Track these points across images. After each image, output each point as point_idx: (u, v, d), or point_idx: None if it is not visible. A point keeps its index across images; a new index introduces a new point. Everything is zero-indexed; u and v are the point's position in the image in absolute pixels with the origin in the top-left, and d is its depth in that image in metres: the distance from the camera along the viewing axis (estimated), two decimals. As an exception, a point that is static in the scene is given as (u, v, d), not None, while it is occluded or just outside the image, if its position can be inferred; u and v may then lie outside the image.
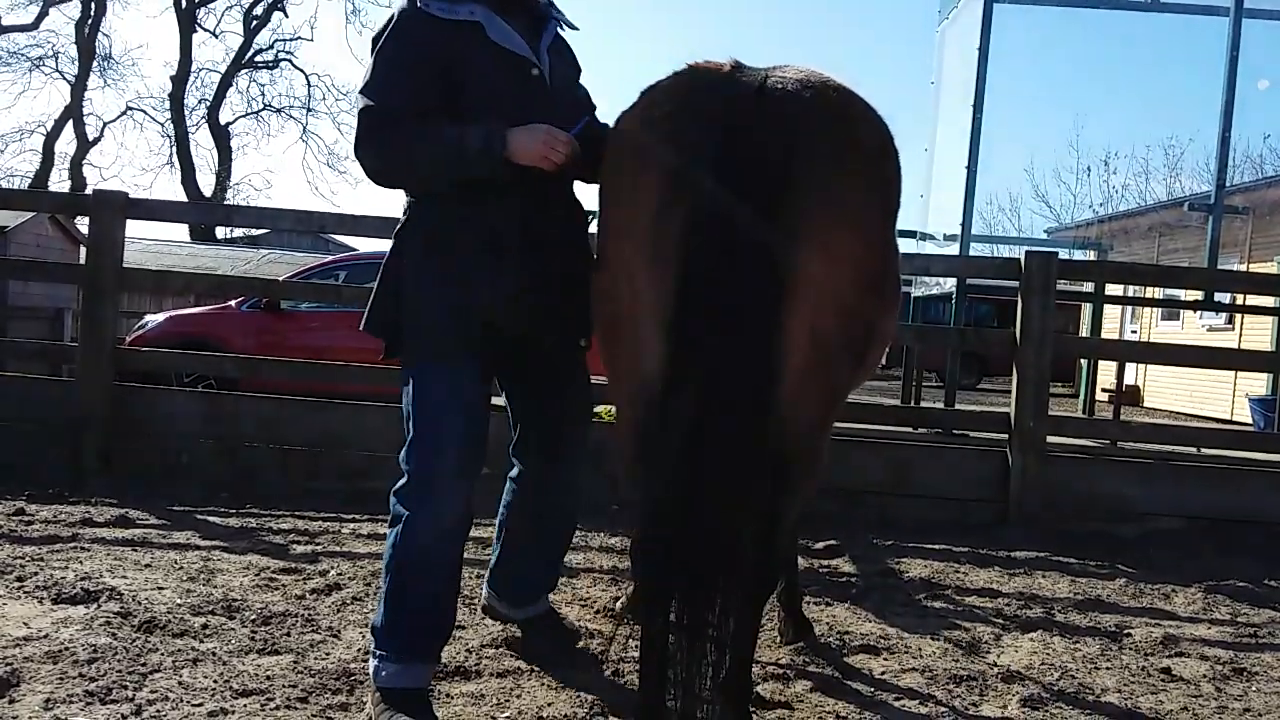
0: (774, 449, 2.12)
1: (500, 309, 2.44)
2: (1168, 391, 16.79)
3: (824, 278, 2.12)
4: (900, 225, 2.49)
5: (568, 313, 2.59)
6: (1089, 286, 9.33)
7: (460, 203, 2.44)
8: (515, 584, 2.96)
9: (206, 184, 31.83)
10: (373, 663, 2.44)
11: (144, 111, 32.88)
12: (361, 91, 2.43)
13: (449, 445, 2.44)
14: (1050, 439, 5.23)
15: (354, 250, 16.45)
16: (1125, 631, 3.52)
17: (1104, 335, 13.98)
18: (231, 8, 32.72)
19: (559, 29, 2.66)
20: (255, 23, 32.51)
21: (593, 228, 2.61)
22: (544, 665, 2.82)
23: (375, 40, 2.48)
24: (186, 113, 32.05)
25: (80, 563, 3.58)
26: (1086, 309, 11.52)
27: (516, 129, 2.38)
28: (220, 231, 28.59)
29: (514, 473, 2.89)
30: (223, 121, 32.74)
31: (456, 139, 2.36)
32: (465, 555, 2.57)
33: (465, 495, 2.48)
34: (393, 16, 2.46)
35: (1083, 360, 11.72)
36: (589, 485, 5.03)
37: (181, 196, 29.57)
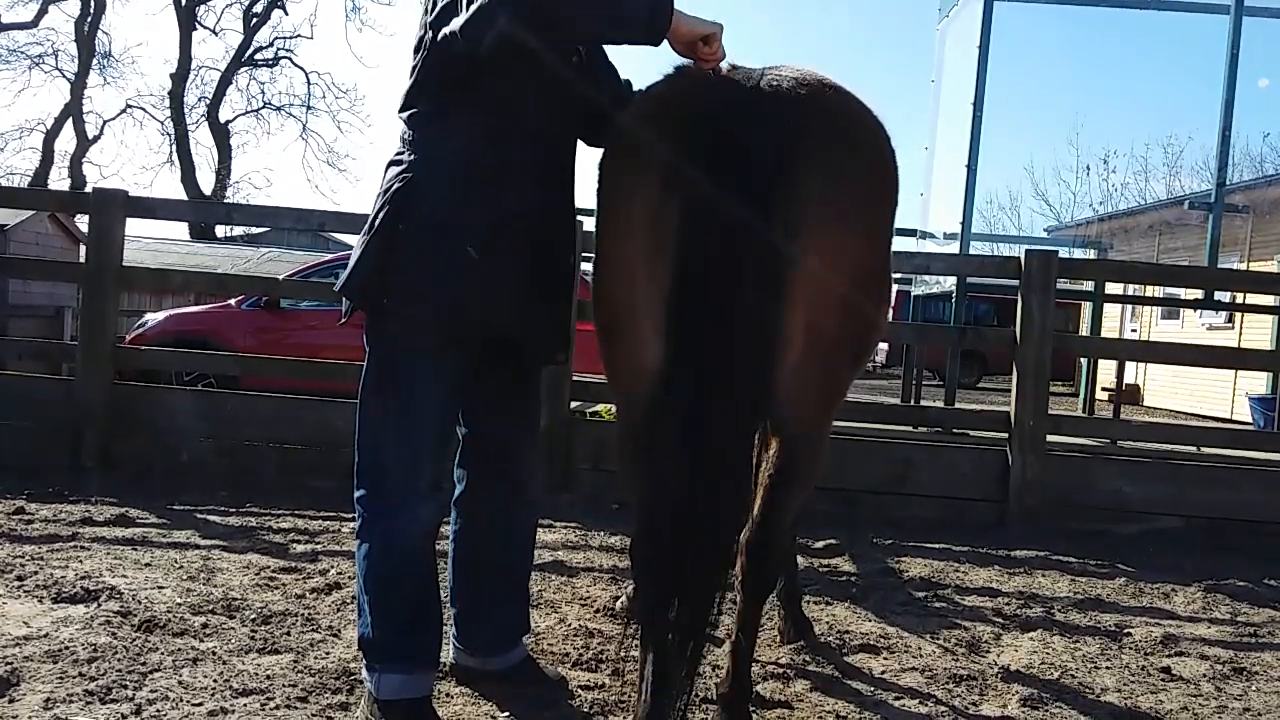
0: (772, 444, 2.12)
1: (495, 307, 2.31)
2: (1168, 390, 16.79)
3: (821, 275, 2.12)
4: (900, 224, 2.50)
5: (556, 321, 2.49)
6: (1089, 285, 9.33)
7: (467, 182, 2.29)
8: (486, 629, 2.66)
9: (206, 182, 31.85)
10: (369, 675, 2.38)
11: (144, 109, 32.88)
12: None
13: (429, 446, 2.36)
14: (1050, 438, 5.23)
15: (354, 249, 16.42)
16: (1125, 631, 3.52)
17: (1104, 334, 13.97)
18: (231, 5, 32.63)
19: None
20: (255, 20, 32.49)
21: (590, 225, 2.60)
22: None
23: None
24: (186, 111, 32.04)
25: (80, 562, 3.57)
26: (1087, 308, 11.53)
27: (681, 10, 2.21)
28: (220, 230, 28.59)
29: (459, 494, 2.64)
30: (222, 119, 32.73)
31: None
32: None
33: (445, 494, 2.45)
34: None
35: (1083, 359, 11.71)
36: (590, 481, 5.08)
37: (181, 195, 29.57)
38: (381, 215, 2.30)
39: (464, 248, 2.25)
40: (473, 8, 2.14)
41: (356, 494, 2.41)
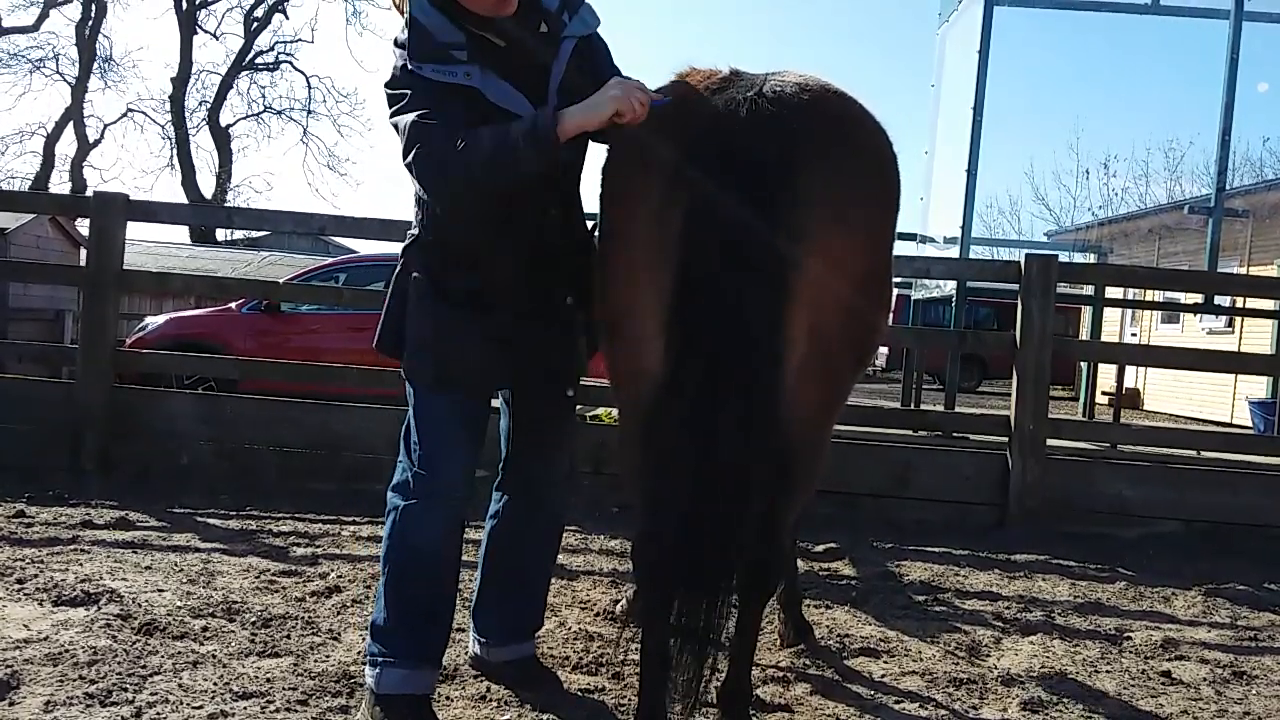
0: (775, 447, 2.12)
1: (479, 365, 2.43)
2: (1167, 394, 16.78)
3: (824, 278, 2.13)
4: (900, 228, 2.51)
5: (554, 368, 2.52)
6: (1089, 289, 9.33)
7: (455, 255, 2.41)
8: (492, 617, 2.76)
9: (207, 186, 31.84)
10: (370, 670, 2.41)
11: (144, 113, 32.84)
12: (400, 113, 2.29)
13: (450, 459, 2.43)
14: (1050, 442, 5.23)
15: (354, 252, 16.46)
16: (1125, 634, 3.52)
17: (1104, 338, 13.96)
18: (232, 9, 32.72)
19: (577, 41, 2.43)
20: (255, 24, 32.49)
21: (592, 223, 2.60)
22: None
23: (390, 97, 2.35)
24: (187, 115, 32.04)
25: (80, 565, 3.57)
26: (1086, 312, 11.51)
27: (565, 111, 2.24)
28: (221, 233, 28.57)
29: (497, 480, 2.78)
30: (223, 123, 32.73)
31: (504, 131, 2.20)
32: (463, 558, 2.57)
33: (464, 502, 2.48)
34: (395, 75, 2.33)
35: (1083, 363, 11.71)
36: (591, 485, 5.08)
37: (182, 198, 29.55)
38: (396, 275, 2.51)
39: (452, 313, 2.40)
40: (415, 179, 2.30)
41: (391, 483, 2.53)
